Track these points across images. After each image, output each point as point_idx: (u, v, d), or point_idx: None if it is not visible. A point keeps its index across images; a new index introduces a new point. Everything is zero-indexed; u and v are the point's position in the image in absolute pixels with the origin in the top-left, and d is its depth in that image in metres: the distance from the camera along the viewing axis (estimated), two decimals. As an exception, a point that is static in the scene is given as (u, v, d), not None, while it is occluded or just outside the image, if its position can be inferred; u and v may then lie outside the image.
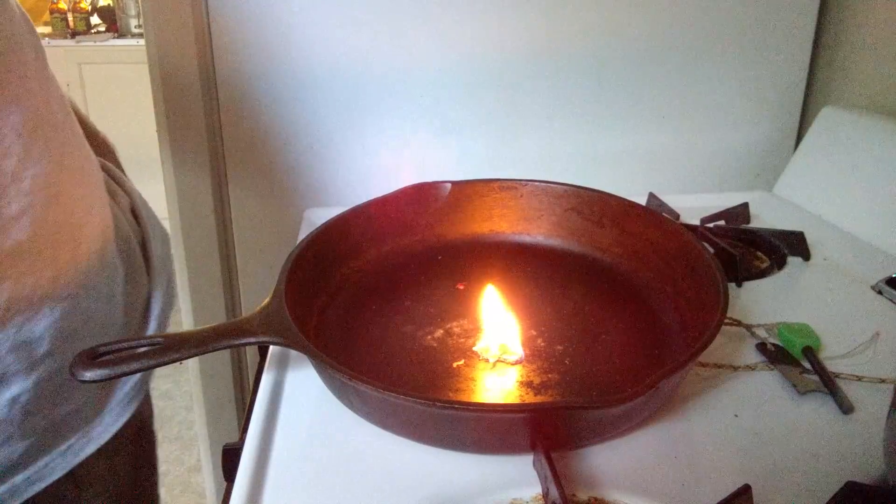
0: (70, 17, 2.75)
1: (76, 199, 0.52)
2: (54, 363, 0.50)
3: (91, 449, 0.55)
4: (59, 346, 0.50)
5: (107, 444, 0.57)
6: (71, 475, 0.54)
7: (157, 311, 0.60)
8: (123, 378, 0.55)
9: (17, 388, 0.49)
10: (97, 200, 0.54)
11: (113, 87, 2.63)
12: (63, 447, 0.54)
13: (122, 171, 0.68)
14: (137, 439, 0.62)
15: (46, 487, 0.53)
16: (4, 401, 0.48)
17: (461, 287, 0.63)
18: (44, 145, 0.48)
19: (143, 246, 0.61)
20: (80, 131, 0.55)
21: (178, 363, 0.46)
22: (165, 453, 1.80)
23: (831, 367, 0.53)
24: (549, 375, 0.51)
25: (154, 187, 0.88)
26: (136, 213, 0.62)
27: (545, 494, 0.40)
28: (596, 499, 0.41)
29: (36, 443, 0.51)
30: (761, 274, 0.69)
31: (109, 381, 0.53)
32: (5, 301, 0.46)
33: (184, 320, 0.99)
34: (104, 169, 0.60)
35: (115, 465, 0.59)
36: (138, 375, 0.57)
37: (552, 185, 0.69)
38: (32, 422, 0.51)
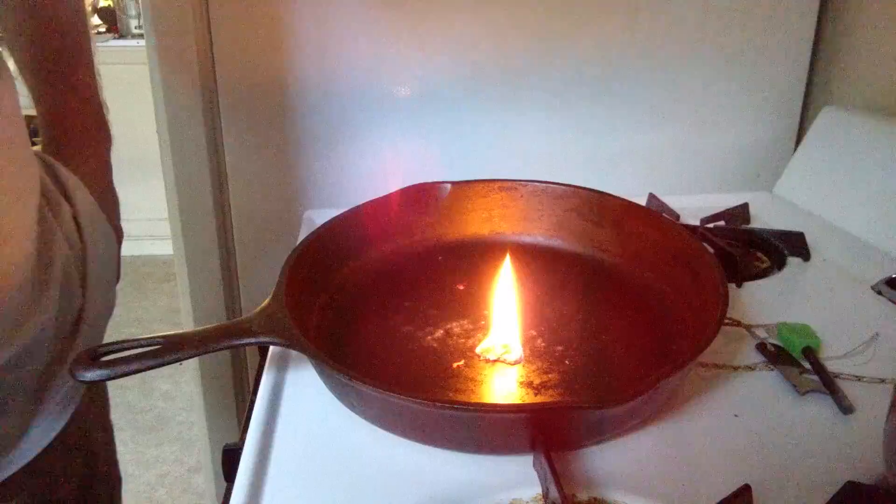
0: (70, 17, 2.74)
1: None
2: None
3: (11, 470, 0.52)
4: None
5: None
6: None
7: (90, 322, 0.56)
8: (50, 395, 0.52)
9: None
10: (19, 232, 0.49)
11: (113, 87, 2.61)
12: None
13: (107, 163, 0.64)
14: (67, 455, 0.58)
15: None
16: None
17: (461, 287, 0.63)
18: None
19: (83, 256, 0.57)
20: (24, 155, 0.50)
21: (178, 363, 0.46)
22: (165, 454, 1.80)
23: (831, 367, 0.53)
24: (549, 375, 0.51)
25: (154, 187, 0.88)
26: (77, 222, 0.57)
27: (545, 494, 0.40)
28: (596, 499, 0.41)
29: None
30: (761, 274, 0.69)
31: (33, 405, 0.51)
32: None
33: (184, 320, 0.99)
34: (50, 175, 0.56)
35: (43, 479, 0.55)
36: (65, 391, 0.53)
37: (552, 185, 0.69)
38: None
